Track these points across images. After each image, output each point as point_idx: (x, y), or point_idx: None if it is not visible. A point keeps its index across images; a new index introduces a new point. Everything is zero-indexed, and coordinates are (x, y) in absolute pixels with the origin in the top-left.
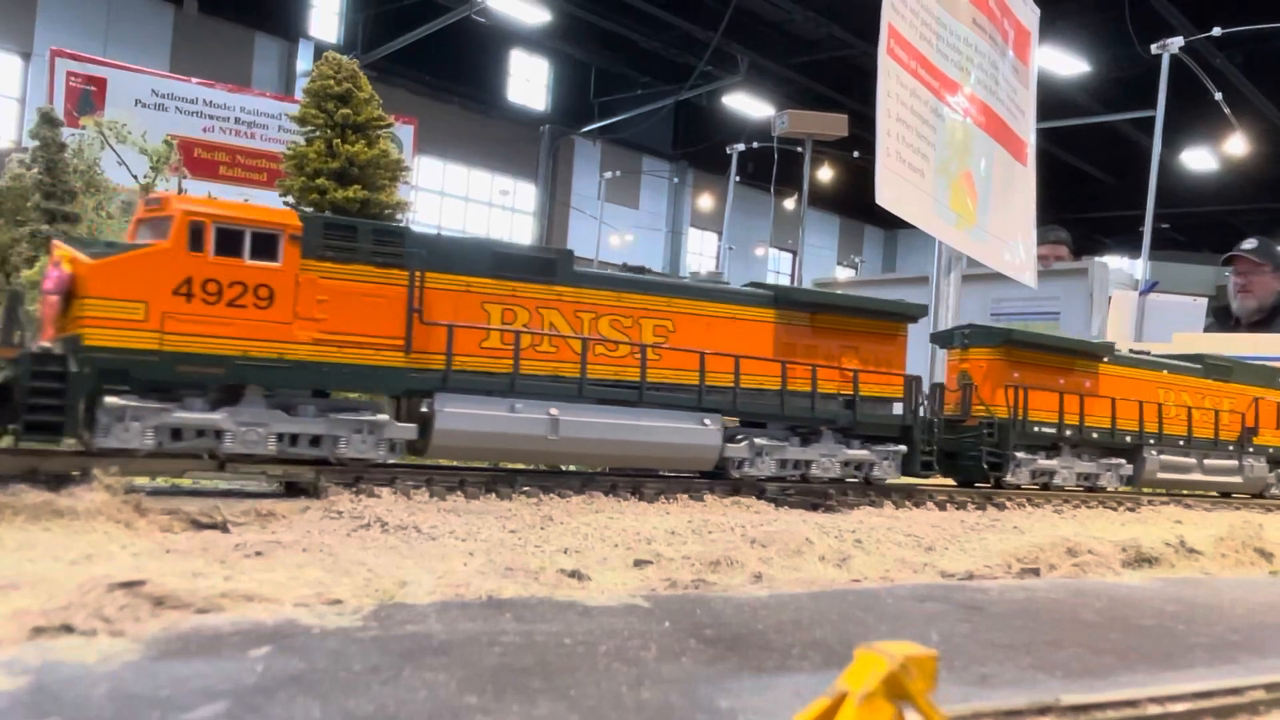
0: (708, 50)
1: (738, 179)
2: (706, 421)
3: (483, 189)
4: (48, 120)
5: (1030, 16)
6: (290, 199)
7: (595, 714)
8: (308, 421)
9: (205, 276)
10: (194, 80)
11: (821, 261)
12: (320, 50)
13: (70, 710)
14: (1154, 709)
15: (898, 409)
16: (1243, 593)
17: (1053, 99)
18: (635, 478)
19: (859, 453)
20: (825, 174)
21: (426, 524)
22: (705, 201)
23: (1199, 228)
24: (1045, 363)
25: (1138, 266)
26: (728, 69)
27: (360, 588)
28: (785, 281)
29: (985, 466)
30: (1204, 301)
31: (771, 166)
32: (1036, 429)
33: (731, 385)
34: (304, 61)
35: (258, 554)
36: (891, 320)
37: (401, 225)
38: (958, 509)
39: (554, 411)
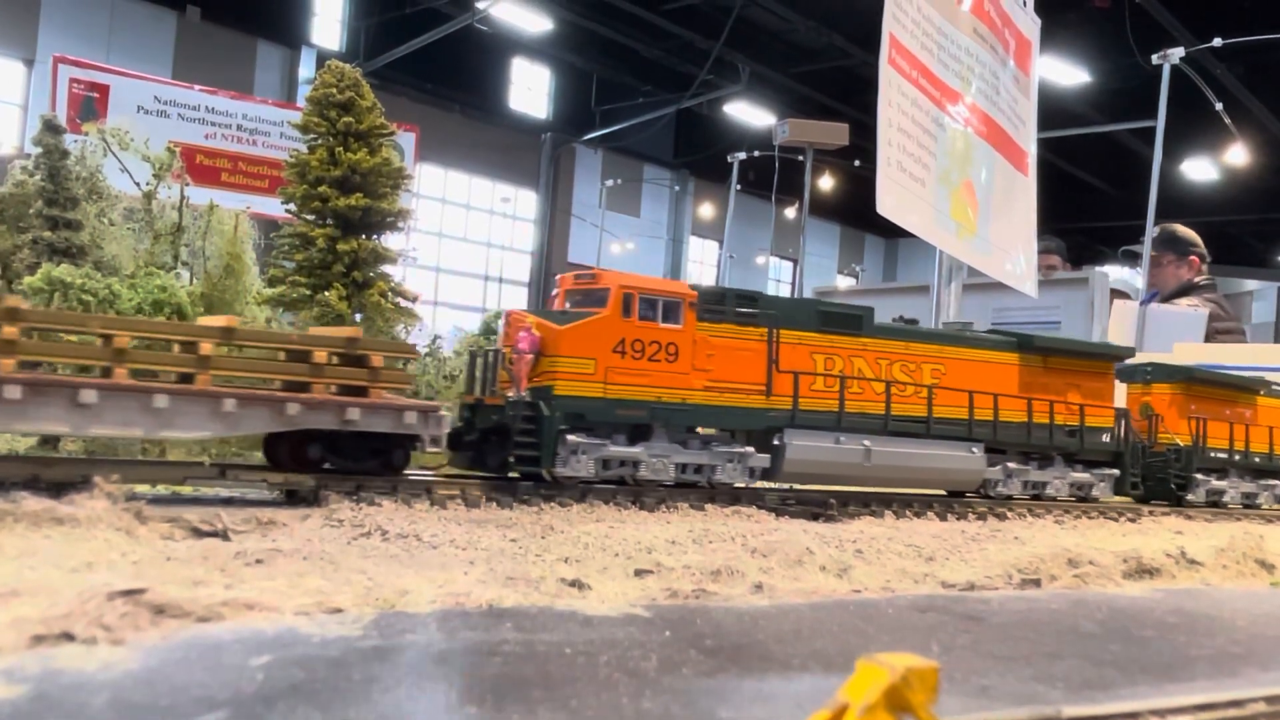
0: (709, 59)
1: (739, 187)
2: (974, 450)
3: (484, 197)
4: (50, 127)
5: (1031, 27)
6: (292, 206)
7: None
8: (697, 453)
9: (633, 337)
10: (196, 87)
11: (822, 270)
12: (322, 58)
13: (70, 719)
14: None
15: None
16: (1244, 604)
17: (1053, 109)
18: (635, 488)
19: (1083, 475)
20: (826, 183)
21: (427, 533)
22: (706, 210)
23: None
24: (1216, 396)
25: (1139, 276)
26: (729, 78)
27: (361, 596)
28: (785, 291)
29: (1174, 487)
30: (1205, 312)
31: (772, 175)
32: (1213, 454)
33: (991, 419)
34: (306, 69)
35: (258, 562)
36: (1104, 360)
37: (755, 291)
38: (958, 519)
39: (866, 443)
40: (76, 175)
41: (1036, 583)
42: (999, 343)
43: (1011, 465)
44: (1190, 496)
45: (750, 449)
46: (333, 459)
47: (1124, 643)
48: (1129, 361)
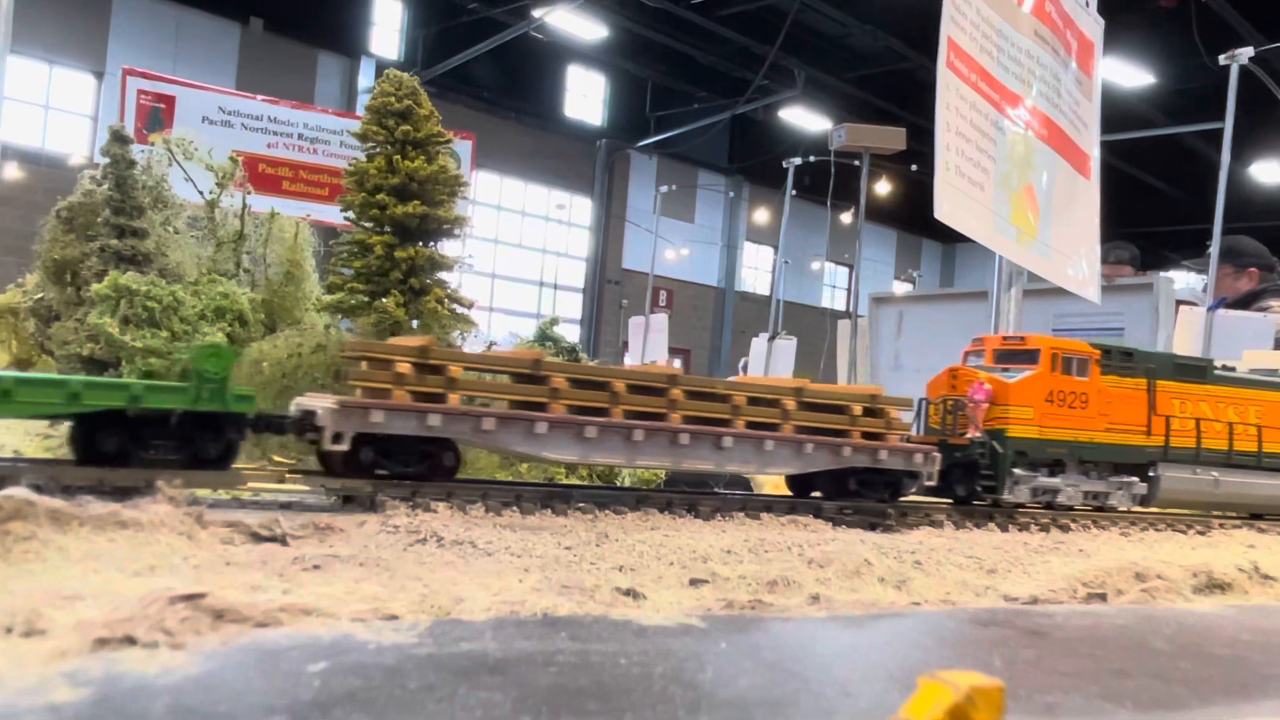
0: (764, 64)
1: (794, 193)
2: None
3: (539, 203)
4: (118, 138)
5: (1094, 28)
6: (351, 214)
7: None
8: (1096, 482)
9: (1057, 389)
10: (259, 97)
11: (878, 276)
12: (381, 67)
13: None
14: None
15: None
16: None
17: (1116, 111)
18: (691, 494)
19: None
20: (883, 188)
21: (482, 539)
22: (761, 215)
23: (1269, 242)
24: None
25: (1206, 281)
26: (784, 83)
27: (416, 603)
28: (841, 295)
29: None
30: (1275, 317)
31: (828, 180)
32: None
33: None
34: (365, 78)
35: (315, 567)
36: None
37: (1132, 347)
38: (1020, 530)
39: (1215, 474)
40: (143, 184)
41: (1102, 597)
42: None
43: None
44: None
45: (1135, 479)
46: (862, 490)
47: (1195, 660)
48: None
